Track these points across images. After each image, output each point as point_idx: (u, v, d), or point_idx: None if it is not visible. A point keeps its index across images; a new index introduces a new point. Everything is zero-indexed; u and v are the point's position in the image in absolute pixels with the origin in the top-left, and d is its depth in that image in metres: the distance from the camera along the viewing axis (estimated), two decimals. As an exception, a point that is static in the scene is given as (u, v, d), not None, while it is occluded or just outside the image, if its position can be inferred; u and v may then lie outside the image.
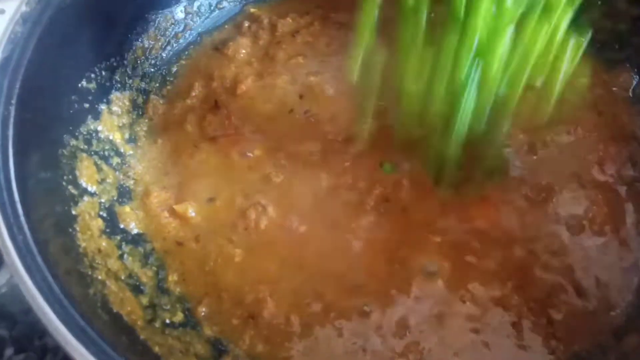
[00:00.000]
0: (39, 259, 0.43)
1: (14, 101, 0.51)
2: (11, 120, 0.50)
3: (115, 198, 0.63)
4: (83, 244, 0.54)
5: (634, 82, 0.74)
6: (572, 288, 0.60)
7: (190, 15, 0.80)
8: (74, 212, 0.56)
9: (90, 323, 0.42)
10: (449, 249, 0.62)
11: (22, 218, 0.45)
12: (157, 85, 0.75)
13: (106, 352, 0.41)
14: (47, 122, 0.57)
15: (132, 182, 0.67)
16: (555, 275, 0.61)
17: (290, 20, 0.83)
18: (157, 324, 0.54)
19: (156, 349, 0.51)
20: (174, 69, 0.77)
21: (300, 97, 0.75)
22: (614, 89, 0.75)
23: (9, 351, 0.63)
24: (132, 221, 0.63)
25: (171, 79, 0.77)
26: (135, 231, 0.63)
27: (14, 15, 0.56)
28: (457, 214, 0.64)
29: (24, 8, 0.56)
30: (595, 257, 0.62)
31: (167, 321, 0.55)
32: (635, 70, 0.74)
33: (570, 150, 0.69)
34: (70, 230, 0.54)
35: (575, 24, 0.58)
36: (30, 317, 0.65)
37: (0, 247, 0.41)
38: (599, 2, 0.75)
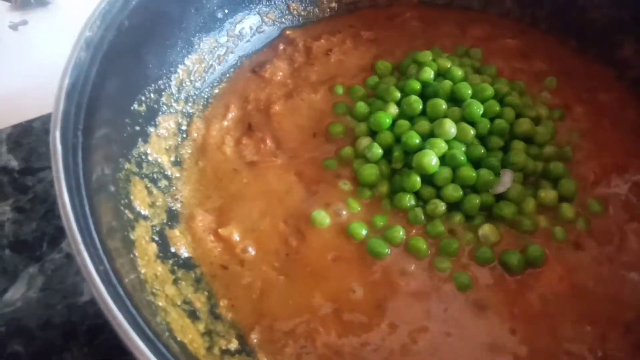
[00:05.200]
0: (120, 290, 0.43)
1: (81, 127, 0.52)
2: (79, 147, 0.51)
3: (165, 221, 0.63)
4: (143, 270, 0.54)
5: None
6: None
7: (233, 39, 0.81)
8: (132, 237, 0.56)
9: (173, 353, 0.42)
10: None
11: (99, 247, 0.45)
12: (200, 107, 0.75)
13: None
14: (107, 147, 0.57)
15: (179, 205, 0.66)
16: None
17: (324, 41, 0.85)
18: (216, 351, 0.54)
19: (219, 377, 0.51)
20: (215, 92, 0.78)
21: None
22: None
23: (25, 369, 0.60)
24: (182, 245, 0.63)
25: (212, 101, 0.77)
26: (185, 255, 0.62)
27: (77, 40, 0.56)
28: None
29: (87, 33, 0.56)
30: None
31: (224, 348, 0.55)
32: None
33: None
34: (132, 256, 0.54)
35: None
36: (48, 332, 0.63)
37: (87, 280, 0.41)
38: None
